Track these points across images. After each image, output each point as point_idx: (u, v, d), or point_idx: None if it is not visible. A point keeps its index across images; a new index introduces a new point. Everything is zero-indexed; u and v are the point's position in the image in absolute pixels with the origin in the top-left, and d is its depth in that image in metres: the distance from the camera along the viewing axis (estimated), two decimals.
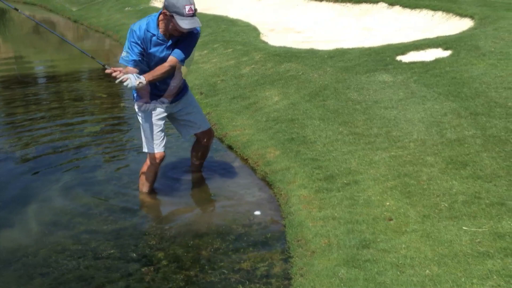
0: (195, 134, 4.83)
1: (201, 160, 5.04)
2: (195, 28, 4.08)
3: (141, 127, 4.49)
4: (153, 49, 4.12)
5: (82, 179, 5.06)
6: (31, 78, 10.40)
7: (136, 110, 4.46)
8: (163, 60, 4.14)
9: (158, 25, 4.08)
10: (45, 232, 4.12)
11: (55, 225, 4.23)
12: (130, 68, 4.07)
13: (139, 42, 4.06)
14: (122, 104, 7.87)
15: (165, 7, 3.98)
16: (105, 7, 17.43)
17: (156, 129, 4.43)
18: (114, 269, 3.61)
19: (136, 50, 4.07)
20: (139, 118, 4.45)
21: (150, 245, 3.93)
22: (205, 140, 4.83)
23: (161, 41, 4.11)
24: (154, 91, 4.32)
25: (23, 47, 14.79)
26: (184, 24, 3.93)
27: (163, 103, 4.39)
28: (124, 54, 4.11)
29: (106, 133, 6.44)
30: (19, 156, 5.65)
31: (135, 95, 4.39)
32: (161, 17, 4.06)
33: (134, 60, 4.08)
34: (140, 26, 4.07)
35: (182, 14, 3.91)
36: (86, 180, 5.04)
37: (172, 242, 3.97)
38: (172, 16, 3.93)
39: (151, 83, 4.14)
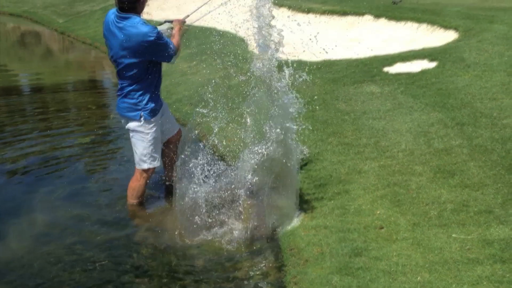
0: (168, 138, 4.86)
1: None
2: None
3: (138, 145, 4.45)
4: None
5: (74, 190, 5.06)
6: (18, 89, 10.36)
7: (133, 127, 4.41)
8: None
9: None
10: (38, 243, 4.11)
11: (48, 236, 4.23)
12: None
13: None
14: (111, 115, 7.87)
15: None
16: (92, 18, 17.43)
17: (158, 143, 4.52)
18: (108, 279, 3.62)
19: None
20: (138, 136, 4.42)
21: (144, 255, 3.95)
22: (176, 141, 4.90)
23: None
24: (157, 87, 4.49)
25: (8, 58, 14.71)
26: None
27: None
28: (172, 47, 4.36)
29: (96, 144, 6.44)
30: (9, 168, 5.62)
31: (141, 113, 4.35)
32: (140, 7, 4.32)
33: None
34: (151, 27, 4.26)
35: None
36: (78, 191, 5.04)
37: (166, 251, 3.99)
38: None
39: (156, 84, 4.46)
